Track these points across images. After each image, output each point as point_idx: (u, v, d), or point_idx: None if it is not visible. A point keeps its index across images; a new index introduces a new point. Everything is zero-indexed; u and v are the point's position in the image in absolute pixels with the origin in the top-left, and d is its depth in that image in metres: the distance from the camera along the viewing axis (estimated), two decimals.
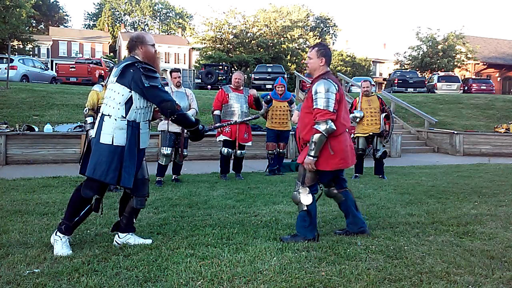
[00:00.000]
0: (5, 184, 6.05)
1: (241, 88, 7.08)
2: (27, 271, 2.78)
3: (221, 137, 6.90)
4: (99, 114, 3.31)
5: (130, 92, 3.19)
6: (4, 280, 2.65)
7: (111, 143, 3.14)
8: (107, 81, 5.95)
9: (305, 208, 3.51)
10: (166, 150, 6.36)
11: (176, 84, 6.49)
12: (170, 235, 3.63)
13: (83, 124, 5.62)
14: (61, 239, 3.17)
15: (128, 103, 3.20)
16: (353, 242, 3.47)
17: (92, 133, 3.29)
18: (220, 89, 7.20)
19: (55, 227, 3.77)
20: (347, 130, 3.64)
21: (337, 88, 3.47)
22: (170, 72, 6.70)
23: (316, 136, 3.39)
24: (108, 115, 3.20)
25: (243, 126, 6.92)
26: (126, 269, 2.85)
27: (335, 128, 3.40)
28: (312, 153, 3.43)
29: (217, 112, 6.92)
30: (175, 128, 6.33)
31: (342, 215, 4.44)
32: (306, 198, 3.51)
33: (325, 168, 3.49)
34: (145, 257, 3.07)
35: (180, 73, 6.72)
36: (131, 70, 3.19)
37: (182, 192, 5.66)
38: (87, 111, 5.82)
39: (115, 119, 3.19)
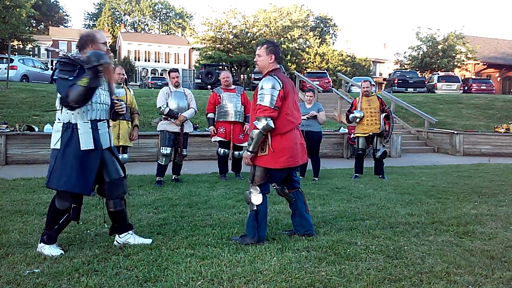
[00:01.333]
0: (5, 184, 6.05)
1: (233, 87, 7.01)
2: (27, 271, 2.78)
3: (216, 138, 6.89)
4: None
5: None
6: (4, 280, 2.65)
7: (54, 147, 3.12)
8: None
9: (255, 208, 3.46)
10: (166, 150, 6.36)
11: (174, 84, 6.48)
12: (170, 235, 3.63)
13: None
14: (47, 246, 3.14)
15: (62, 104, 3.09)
16: (353, 242, 3.47)
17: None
18: (212, 92, 7.16)
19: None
20: (298, 127, 3.60)
21: (282, 85, 3.42)
22: (169, 72, 6.70)
23: (254, 132, 3.37)
24: (56, 118, 3.18)
25: (238, 126, 6.85)
26: (126, 269, 2.85)
27: (273, 126, 3.35)
28: (250, 148, 3.43)
29: (210, 115, 6.88)
30: (174, 128, 6.33)
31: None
32: (256, 198, 3.47)
33: (273, 166, 3.45)
34: (145, 257, 3.07)
35: (179, 73, 6.71)
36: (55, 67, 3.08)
37: (182, 192, 5.66)
38: None
39: (56, 123, 3.15)
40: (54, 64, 3.19)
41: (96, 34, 3.25)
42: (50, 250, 3.11)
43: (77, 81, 2.92)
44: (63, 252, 3.13)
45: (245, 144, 6.99)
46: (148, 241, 3.42)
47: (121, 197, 3.37)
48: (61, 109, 3.12)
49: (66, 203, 3.14)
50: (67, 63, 3.04)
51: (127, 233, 3.42)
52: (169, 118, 6.36)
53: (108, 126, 3.36)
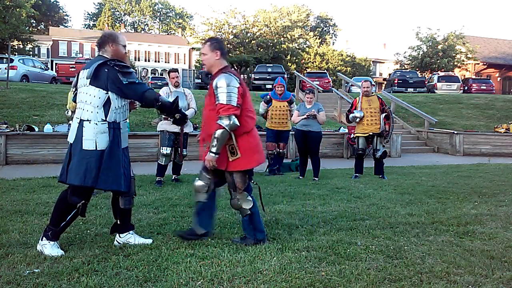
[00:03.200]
0: (5, 184, 6.05)
1: None
2: (27, 271, 2.78)
3: None
4: (75, 119, 3.22)
5: (107, 93, 3.14)
6: (4, 280, 2.65)
7: (95, 148, 3.10)
8: (75, 83, 5.92)
9: (249, 212, 3.39)
10: (166, 150, 6.36)
11: (174, 84, 6.48)
12: (170, 235, 3.63)
13: None
14: (49, 243, 3.14)
15: (107, 105, 3.14)
16: (353, 242, 3.47)
17: (70, 139, 3.23)
18: None
19: None
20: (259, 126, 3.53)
21: (239, 82, 3.30)
22: (168, 72, 6.69)
23: (219, 132, 3.20)
24: (88, 120, 3.13)
25: None
26: (126, 269, 2.85)
27: (238, 124, 3.22)
28: (214, 150, 3.23)
29: None
30: (174, 128, 6.34)
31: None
32: (247, 203, 3.38)
33: (249, 166, 3.35)
34: (145, 257, 3.07)
35: (178, 73, 6.70)
36: (105, 70, 3.12)
37: (182, 192, 5.66)
38: None
39: (96, 123, 3.13)
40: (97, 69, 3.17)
41: (119, 36, 3.32)
42: (51, 250, 3.11)
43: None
44: (63, 253, 3.12)
45: None
46: (148, 241, 3.42)
47: (132, 196, 3.44)
48: (104, 110, 3.15)
49: (80, 199, 3.18)
50: (125, 66, 3.19)
51: (127, 233, 3.43)
52: (169, 118, 6.35)
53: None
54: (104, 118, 3.15)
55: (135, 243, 3.37)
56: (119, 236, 3.42)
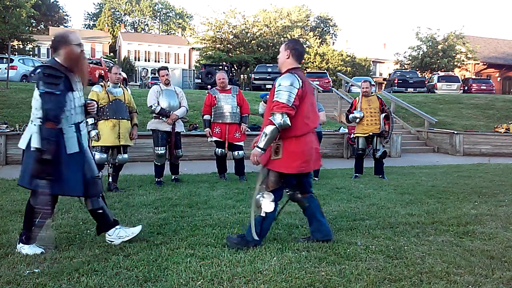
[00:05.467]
0: (5, 184, 6.05)
1: (228, 88, 6.99)
2: (27, 271, 2.78)
3: (212, 138, 6.87)
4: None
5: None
6: (4, 280, 2.65)
7: (31, 149, 3.08)
8: (107, 82, 5.97)
9: (263, 215, 3.31)
10: (161, 150, 6.32)
11: (164, 82, 6.42)
12: (170, 235, 3.63)
13: None
14: (26, 245, 3.15)
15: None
16: (353, 242, 3.47)
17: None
18: (207, 93, 7.14)
19: (55, 227, 3.79)
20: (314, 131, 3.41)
21: (301, 84, 3.26)
22: (158, 70, 6.65)
23: (269, 128, 3.18)
24: (31, 121, 3.15)
25: (234, 126, 6.82)
26: (126, 269, 2.85)
27: (289, 124, 3.18)
28: (261, 145, 3.21)
29: (206, 116, 6.85)
30: (166, 127, 6.30)
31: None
32: (268, 205, 3.30)
33: (286, 171, 3.28)
34: (145, 257, 3.07)
35: (168, 70, 6.63)
36: (37, 74, 3.09)
37: (182, 192, 5.66)
38: None
39: (34, 125, 3.10)
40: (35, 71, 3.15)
41: (70, 35, 3.22)
42: (29, 250, 3.12)
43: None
44: (43, 251, 3.13)
45: (242, 143, 6.98)
46: (137, 229, 3.42)
47: (98, 196, 3.37)
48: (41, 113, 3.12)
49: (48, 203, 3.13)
50: (51, 75, 3.07)
51: (115, 229, 3.40)
52: (160, 117, 6.34)
53: (85, 126, 3.41)
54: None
55: (126, 234, 3.36)
56: (108, 235, 3.40)
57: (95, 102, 3.64)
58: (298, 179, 3.46)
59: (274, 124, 3.17)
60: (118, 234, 3.38)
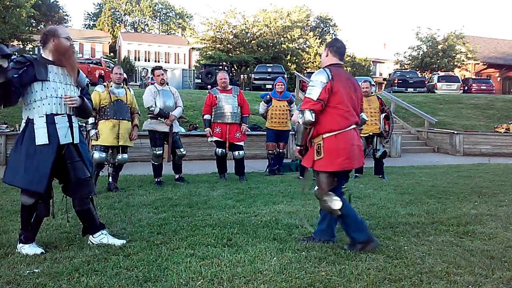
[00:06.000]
0: (5, 184, 6.04)
1: (229, 88, 6.99)
2: (27, 271, 2.78)
3: (212, 138, 6.88)
4: None
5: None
6: (4, 280, 2.65)
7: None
8: (109, 82, 5.97)
9: (340, 213, 3.26)
10: (158, 151, 6.34)
11: (160, 82, 6.40)
12: (170, 235, 3.63)
13: (83, 124, 5.60)
14: (26, 245, 3.15)
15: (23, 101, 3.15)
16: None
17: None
18: (208, 93, 7.14)
19: (55, 227, 3.80)
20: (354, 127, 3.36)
21: (330, 77, 3.23)
22: (152, 71, 6.64)
23: (297, 125, 3.36)
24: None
25: (234, 126, 6.83)
26: (126, 269, 2.85)
27: (312, 120, 3.21)
28: (298, 142, 3.42)
29: (207, 116, 6.86)
30: (164, 128, 6.30)
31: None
32: (335, 203, 3.26)
33: (330, 169, 3.26)
34: (145, 257, 3.07)
35: (163, 70, 6.61)
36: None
37: (182, 192, 5.66)
38: None
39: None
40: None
41: (59, 29, 3.25)
42: (29, 250, 3.12)
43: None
44: (43, 251, 3.13)
45: (242, 143, 7.00)
46: (120, 241, 3.37)
47: (86, 197, 3.33)
48: (23, 107, 3.18)
49: (30, 199, 3.14)
50: (18, 61, 3.09)
51: (100, 233, 3.39)
52: (158, 118, 6.33)
53: (71, 121, 3.26)
54: (23, 116, 3.20)
55: (108, 243, 3.33)
56: (92, 237, 3.38)
57: (76, 97, 3.28)
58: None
59: (299, 122, 3.31)
60: (101, 240, 3.36)
